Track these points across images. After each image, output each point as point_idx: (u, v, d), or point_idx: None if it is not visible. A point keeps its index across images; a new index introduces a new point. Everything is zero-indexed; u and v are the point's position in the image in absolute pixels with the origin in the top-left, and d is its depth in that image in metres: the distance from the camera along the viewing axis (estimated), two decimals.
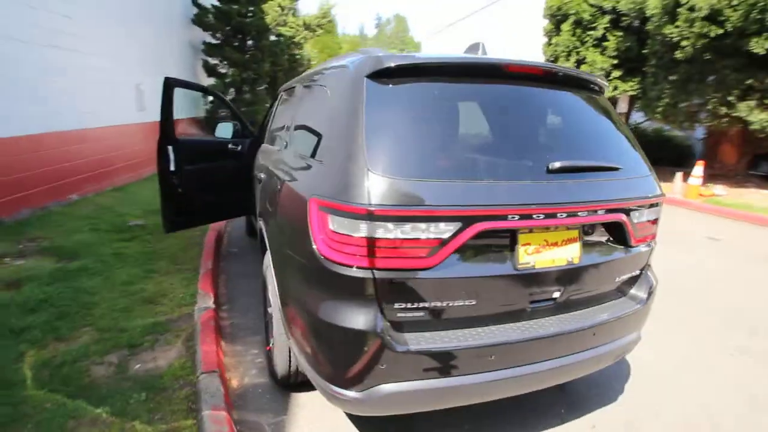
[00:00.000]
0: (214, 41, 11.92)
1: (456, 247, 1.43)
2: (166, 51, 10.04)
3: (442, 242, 1.41)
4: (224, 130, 4.14)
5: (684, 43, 7.13)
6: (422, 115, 1.55)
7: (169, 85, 3.32)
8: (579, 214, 1.58)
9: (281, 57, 13.99)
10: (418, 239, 1.40)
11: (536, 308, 1.64)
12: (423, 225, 1.39)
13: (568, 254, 1.61)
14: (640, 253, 1.84)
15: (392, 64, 1.54)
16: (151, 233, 5.02)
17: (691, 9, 6.86)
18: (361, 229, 1.37)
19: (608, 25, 9.99)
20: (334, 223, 1.42)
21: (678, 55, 7.36)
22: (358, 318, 1.42)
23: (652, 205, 1.81)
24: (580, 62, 10.69)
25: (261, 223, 2.31)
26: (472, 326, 1.55)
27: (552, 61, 11.67)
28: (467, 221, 1.42)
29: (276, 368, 2.13)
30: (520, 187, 1.52)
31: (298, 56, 20.14)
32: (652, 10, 7.96)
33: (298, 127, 2.25)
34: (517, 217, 1.48)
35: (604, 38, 10.17)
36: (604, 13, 10.07)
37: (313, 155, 1.73)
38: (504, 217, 1.47)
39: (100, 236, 4.68)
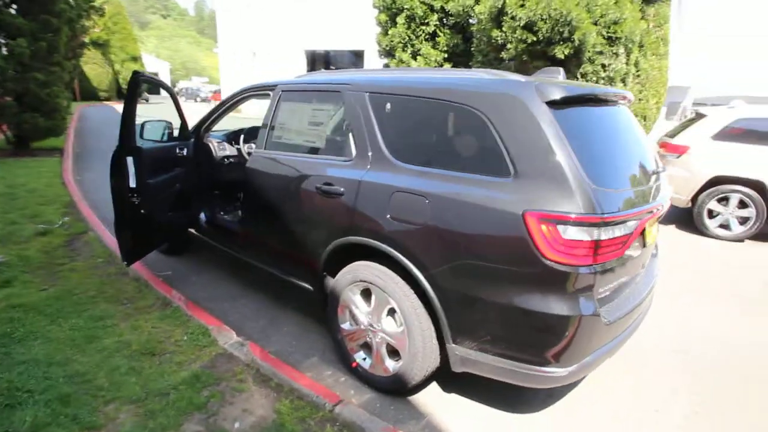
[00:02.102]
0: None
1: (634, 238, 1.86)
2: None
3: (629, 236, 1.83)
4: (153, 132, 3.41)
5: (509, 46, 8.92)
6: (597, 135, 1.91)
7: (137, 81, 2.61)
8: (665, 205, 2.22)
9: (77, 24, 11.08)
10: (620, 236, 1.77)
11: (638, 273, 2.23)
12: (624, 225, 1.78)
13: (655, 233, 2.24)
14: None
15: (559, 96, 1.81)
16: (25, 271, 3.77)
17: (513, 18, 8.61)
18: (594, 234, 1.66)
19: (438, 23, 11.49)
20: (567, 232, 1.66)
21: (503, 55, 9.15)
22: (585, 306, 1.72)
23: None
24: (415, 54, 11.99)
25: (372, 242, 2.18)
26: (622, 293, 2.04)
27: (388, 51, 12.70)
28: (641, 219, 1.87)
29: (408, 377, 2.17)
30: (650, 190, 2.06)
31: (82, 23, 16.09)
32: (479, 15, 9.60)
33: (409, 143, 2.19)
34: (655, 212, 2.01)
35: (435, 34, 11.65)
36: (433, 11, 11.51)
37: (493, 173, 1.82)
38: (651, 212, 1.98)
39: None
